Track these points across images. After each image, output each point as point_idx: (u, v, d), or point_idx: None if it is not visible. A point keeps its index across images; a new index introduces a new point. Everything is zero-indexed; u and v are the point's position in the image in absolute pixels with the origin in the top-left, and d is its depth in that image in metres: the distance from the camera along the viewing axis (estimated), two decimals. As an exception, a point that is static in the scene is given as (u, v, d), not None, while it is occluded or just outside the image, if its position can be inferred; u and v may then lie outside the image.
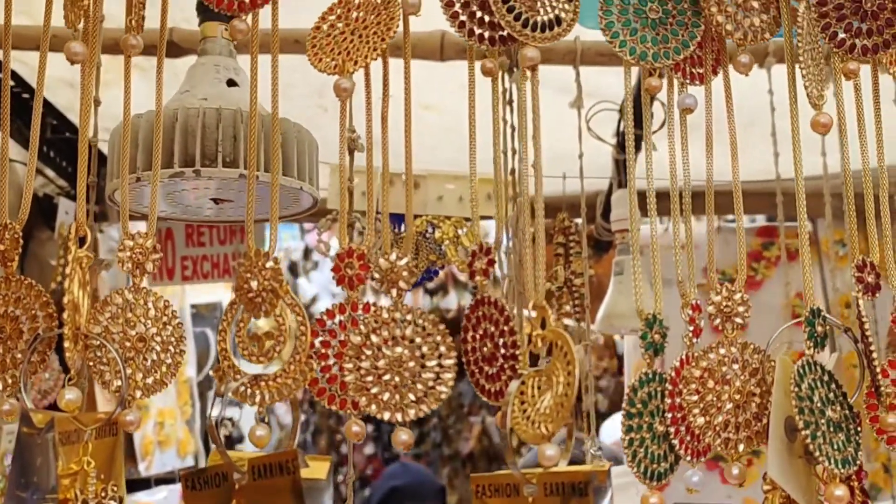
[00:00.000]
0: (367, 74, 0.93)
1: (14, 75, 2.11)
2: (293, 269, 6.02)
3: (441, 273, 5.73)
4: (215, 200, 1.56)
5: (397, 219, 1.89)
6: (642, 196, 2.36)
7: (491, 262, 0.92)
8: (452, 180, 2.32)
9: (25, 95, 2.17)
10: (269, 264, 0.87)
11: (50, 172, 2.52)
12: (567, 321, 2.47)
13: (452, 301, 5.92)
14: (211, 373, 0.87)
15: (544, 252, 0.93)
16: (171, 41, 1.94)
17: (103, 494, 0.84)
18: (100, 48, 1.03)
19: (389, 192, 1.01)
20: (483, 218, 2.34)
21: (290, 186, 1.36)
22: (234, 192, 1.49)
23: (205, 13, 1.44)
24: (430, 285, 5.99)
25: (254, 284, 0.87)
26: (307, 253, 5.89)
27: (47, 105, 2.17)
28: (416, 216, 2.28)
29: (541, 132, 1.84)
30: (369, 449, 6.49)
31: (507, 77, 1.95)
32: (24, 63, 2.14)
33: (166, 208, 1.49)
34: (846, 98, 0.93)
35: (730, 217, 2.80)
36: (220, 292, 3.38)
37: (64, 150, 2.47)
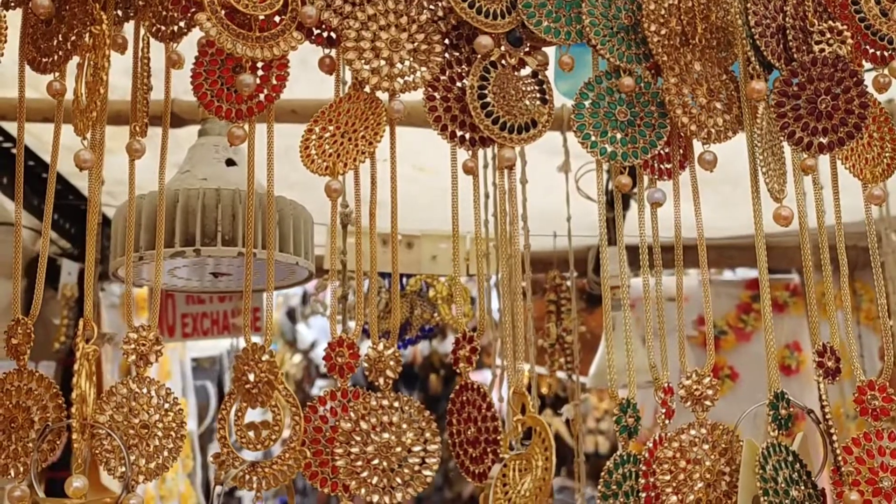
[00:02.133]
0: (356, 174, 0.99)
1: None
2: (291, 314, 6.08)
3: (437, 318, 5.66)
4: (214, 275, 1.62)
5: (390, 278, 1.96)
6: (631, 250, 2.42)
7: (473, 350, 0.98)
8: (446, 240, 2.39)
9: (31, 163, 2.25)
10: (265, 357, 0.93)
11: (53, 234, 2.59)
12: (560, 374, 2.52)
13: (450, 345, 5.96)
14: (211, 460, 0.93)
15: (525, 341, 0.99)
16: (172, 112, 2.02)
17: (108, 577, 0.89)
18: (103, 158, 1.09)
19: (382, 253, 1.07)
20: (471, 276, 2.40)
21: (286, 262, 1.42)
22: (234, 267, 1.56)
23: (204, 94, 1.51)
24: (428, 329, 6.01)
25: (251, 377, 0.92)
26: (305, 298, 5.94)
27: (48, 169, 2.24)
28: (410, 275, 2.34)
29: (527, 207, 1.91)
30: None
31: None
32: (29, 133, 2.21)
33: (167, 281, 1.55)
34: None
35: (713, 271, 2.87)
36: (220, 346, 3.43)
37: (67, 213, 2.54)
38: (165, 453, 0.95)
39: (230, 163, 1.53)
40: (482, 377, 5.88)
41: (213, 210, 1.48)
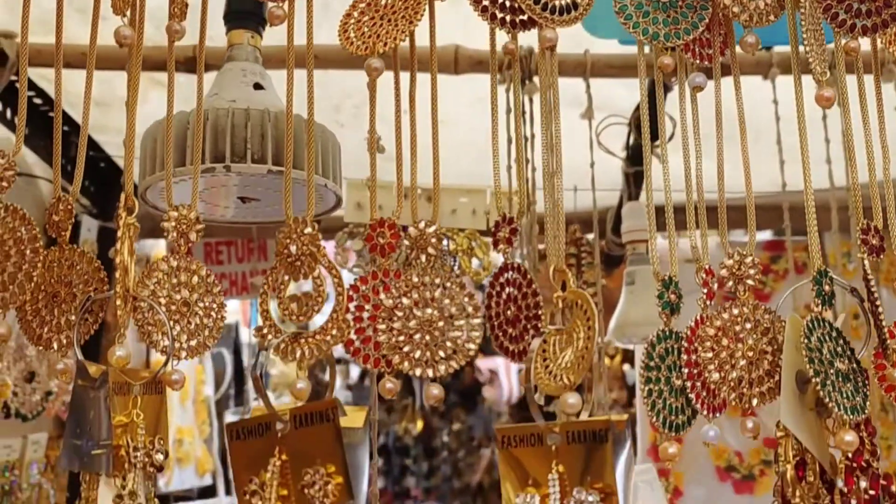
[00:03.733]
0: (394, 55, 0.99)
1: (42, 94, 2.19)
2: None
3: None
4: (242, 199, 1.62)
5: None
6: (655, 210, 2.40)
7: (514, 231, 0.97)
8: (466, 193, 2.39)
9: (52, 114, 2.25)
10: (308, 230, 0.93)
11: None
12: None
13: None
14: (253, 332, 0.93)
15: (564, 221, 0.99)
16: (194, 57, 2.02)
17: (151, 446, 0.89)
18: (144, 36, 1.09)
19: (403, 206, 1.06)
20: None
21: (316, 183, 1.42)
22: (261, 190, 1.55)
23: (232, 22, 1.52)
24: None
25: (293, 249, 0.92)
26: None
27: (71, 123, 2.24)
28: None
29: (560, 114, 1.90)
30: (379, 483, 6.47)
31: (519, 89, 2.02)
32: (49, 81, 2.22)
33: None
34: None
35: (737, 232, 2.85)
36: (234, 315, 3.43)
37: (87, 169, 2.54)
38: (206, 332, 0.95)
39: (258, 86, 1.53)
40: (493, 363, 5.88)
41: (241, 129, 1.47)
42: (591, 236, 2.42)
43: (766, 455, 2.54)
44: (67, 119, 2.25)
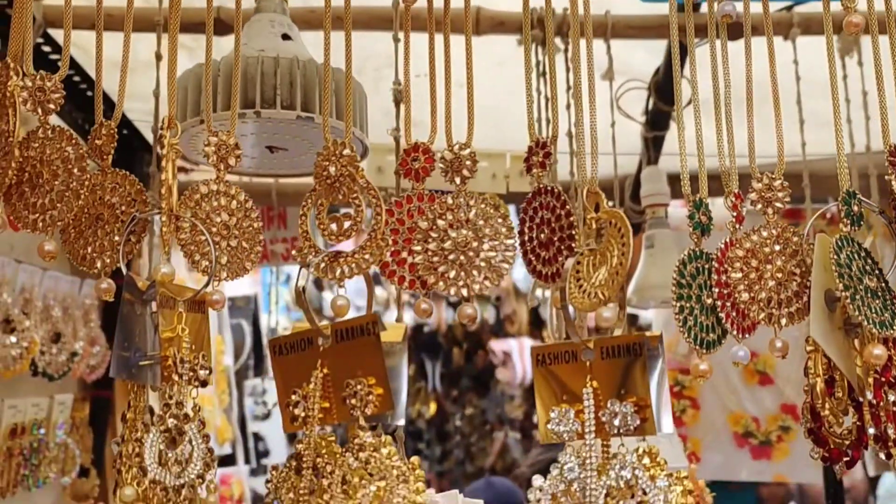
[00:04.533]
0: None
1: (71, 62, 2.21)
2: (318, 283, 6.11)
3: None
4: (270, 149, 1.64)
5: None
6: (672, 178, 2.40)
7: (547, 155, 0.99)
8: (485, 157, 2.41)
9: (77, 78, 2.27)
10: (346, 152, 0.95)
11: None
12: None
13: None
14: (294, 252, 0.95)
15: (597, 146, 1.00)
16: (217, 18, 2.04)
17: (195, 361, 0.91)
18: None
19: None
20: (515, 196, 2.41)
21: (342, 130, 1.44)
22: (289, 138, 1.58)
23: (260, -26, 1.54)
24: (453, 298, 6.03)
25: (332, 170, 0.94)
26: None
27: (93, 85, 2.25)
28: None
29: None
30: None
31: (539, 50, 2.04)
32: (75, 45, 2.24)
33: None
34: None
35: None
36: (253, 287, 3.46)
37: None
38: (245, 254, 0.97)
39: (285, 37, 1.55)
40: (506, 345, 5.90)
41: (271, 77, 1.49)
42: (610, 204, 2.43)
43: (784, 421, 2.55)
44: (90, 83, 2.27)
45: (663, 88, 2.26)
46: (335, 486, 0.87)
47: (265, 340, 3.86)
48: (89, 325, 2.35)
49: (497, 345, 5.88)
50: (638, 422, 0.88)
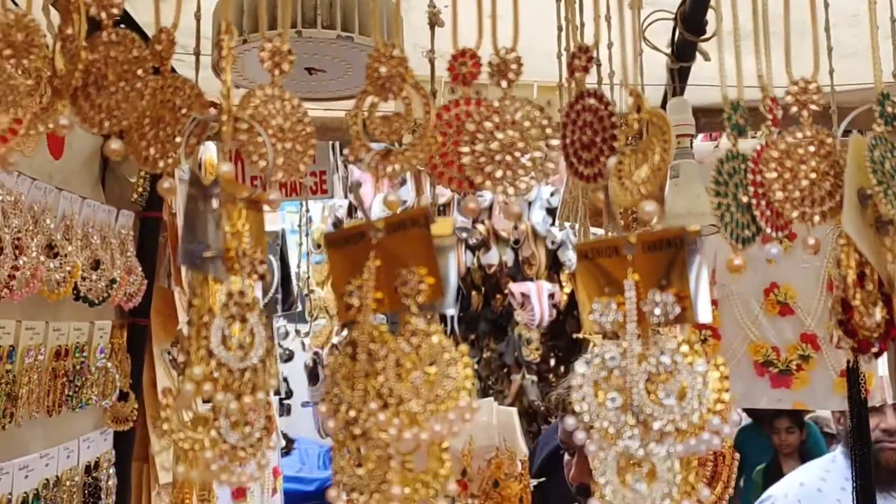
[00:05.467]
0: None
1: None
2: (337, 226, 6.16)
3: (483, 229, 5.84)
4: (309, 71, 1.68)
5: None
6: (696, 110, 2.40)
7: (590, 60, 1.03)
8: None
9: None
10: (396, 52, 0.99)
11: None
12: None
13: (494, 257, 6.01)
14: (345, 152, 0.99)
15: (641, 46, 1.03)
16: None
17: (254, 255, 0.96)
18: None
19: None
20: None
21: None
22: (328, 59, 1.61)
23: None
24: (472, 241, 6.08)
25: (382, 70, 0.98)
26: (352, 210, 6.01)
27: (131, 23, 2.29)
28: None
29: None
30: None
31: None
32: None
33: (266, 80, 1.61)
34: None
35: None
36: (279, 222, 3.51)
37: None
38: (299, 157, 1.01)
39: (325, -42, 1.58)
40: (525, 288, 5.96)
41: (311, -3, 1.53)
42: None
43: (804, 351, 2.60)
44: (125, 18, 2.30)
45: (690, 19, 2.27)
46: (388, 370, 0.92)
47: (293, 274, 3.93)
48: (126, 255, 2.41)
49: (515, 287, 5.94)
50: (678, 310, 0.93)
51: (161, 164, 1.00)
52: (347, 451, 0.93)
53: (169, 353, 2.06)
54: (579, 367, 0.96)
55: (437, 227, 0.94)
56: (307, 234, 3.29)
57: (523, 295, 5.91)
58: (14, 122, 0.95)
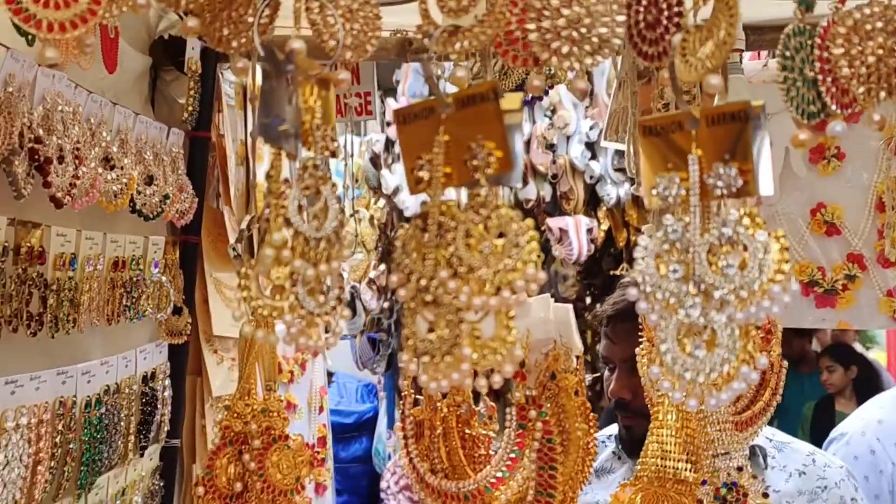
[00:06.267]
0: None
1: None
2: (374, 161, 6.18)
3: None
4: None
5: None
6: (747, 28, 2.37)
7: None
8: None
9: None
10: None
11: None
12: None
13: (531, 191, 6.01)
14: (415, 28, 1.01)
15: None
16: None
17: (326, 131, 0.99)
18: None
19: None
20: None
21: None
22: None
23: None
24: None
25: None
26: (389, 145, 6.03)
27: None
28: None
29: None
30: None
31: None
32: None
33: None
34: None
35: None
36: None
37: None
38: (366, 37, 1.04)
39: None
40: (563, 223, 5.96)
41: None
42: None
43: (850, 270, 2.60)
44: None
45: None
46: (458, 240, 0.95)
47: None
48: (177, 173, 2.46)
49: (553, 222, 5.94)
50: (740, 183, 0.94)
51: (234, 43, 1.02)
52: (419, 318, 0.96)
53: (234, 248, 2.11)
54: (642, 241, 0.99)
55: (505, 102, 0.96)
56: (352, 156, 3.32)
57: (561, 230, 5.92)
58: (93, 3, 0.98)
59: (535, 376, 1.43)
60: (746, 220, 0.96)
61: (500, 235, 0.96)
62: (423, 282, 0.96)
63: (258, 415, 1.46)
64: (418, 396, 1.59)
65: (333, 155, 1.00)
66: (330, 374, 6.64)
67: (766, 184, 0.95)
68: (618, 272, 5.92)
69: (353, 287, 6.17)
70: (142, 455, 2.35)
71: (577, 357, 1.48)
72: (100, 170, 2.00)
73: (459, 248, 0.95)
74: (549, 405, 1.41)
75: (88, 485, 2.07)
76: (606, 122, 2.20)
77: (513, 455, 1.39)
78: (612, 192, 5.75)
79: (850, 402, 5.15)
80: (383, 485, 5.35)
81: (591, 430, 1.48)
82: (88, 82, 2.05)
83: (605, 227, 6.19)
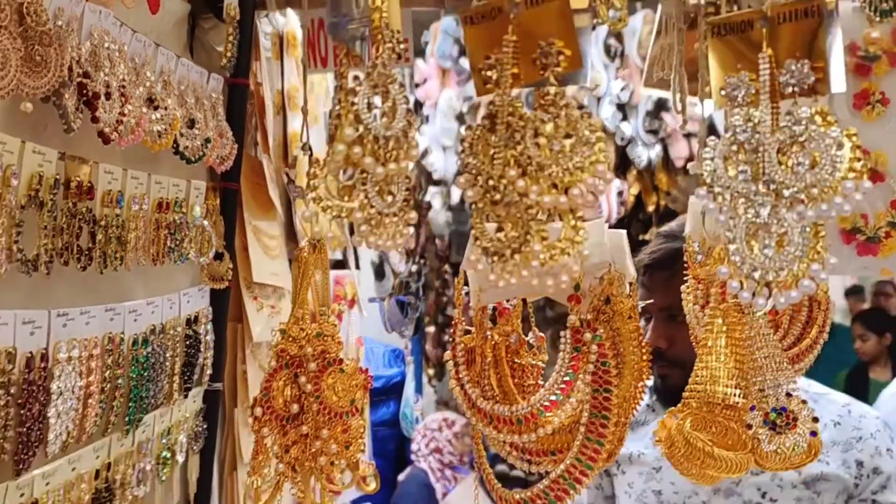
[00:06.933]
0: None
1: None
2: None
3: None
4: None
5: None
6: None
7: None
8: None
9: None
10: None
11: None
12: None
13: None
14: None
15: None
16: None
17: (393, 34, 0.99)
18: None
19: None
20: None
21: None
22: None
23: None
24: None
25: None
26: (417, 107, 6.01)
27: None
28: None
29: None
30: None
31: None
32: None
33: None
34: None
35: None
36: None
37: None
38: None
39: None
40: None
41: None
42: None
43: (893, 217, 2.56)
44: None
45: None
46: (527, 139, 0.95)
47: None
48: (217, 118, 2.46)
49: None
50: (812, 79, 0.93)
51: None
52: (487, 217, 0.97)
53: (287, 174, 2.13)
54: (710, 141, 0.98)
55: (574, 1, 0.95)
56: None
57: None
58: None
59: (590, 300, 1.43)
60: (818, 118, 0.95)
61: (567, 137, 0.96)
62: (492, 182, 0.96)
63: (313, 339, 1.48)
64: (468, 328, 1.59)
65: (400, 57, 1.00)
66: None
67: (838, 80, 0.94)
68: (646, 237, 5.89)
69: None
70: (186, 396, 2.38)
71: (630, 283, 1.47)
72: (144, 109, 2.00)
73: (528, 146, 0.95)
74: (603, 329, 1.41)
75: (136, 421, 2.10)
76: (647, 67, 2.18)
77: (567, 378, 1.40)
78: (642, 153, 5.71)
79: (885, 369, 5.06)
80: (413, 447, 5.40)
81: (644, 356, 1.48)
82: (132, 21, 2.05)
83: (634, 191, 6.16)
